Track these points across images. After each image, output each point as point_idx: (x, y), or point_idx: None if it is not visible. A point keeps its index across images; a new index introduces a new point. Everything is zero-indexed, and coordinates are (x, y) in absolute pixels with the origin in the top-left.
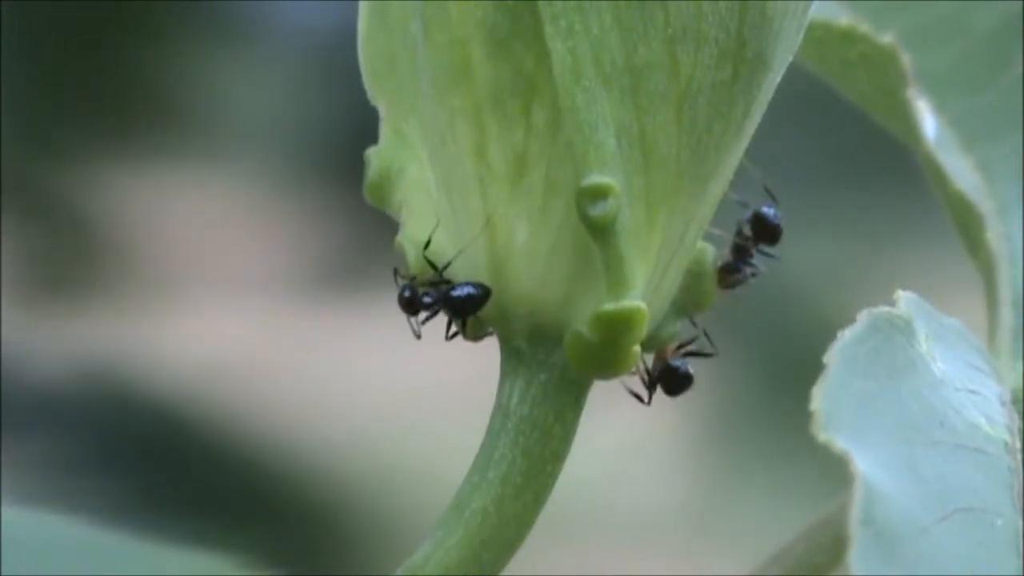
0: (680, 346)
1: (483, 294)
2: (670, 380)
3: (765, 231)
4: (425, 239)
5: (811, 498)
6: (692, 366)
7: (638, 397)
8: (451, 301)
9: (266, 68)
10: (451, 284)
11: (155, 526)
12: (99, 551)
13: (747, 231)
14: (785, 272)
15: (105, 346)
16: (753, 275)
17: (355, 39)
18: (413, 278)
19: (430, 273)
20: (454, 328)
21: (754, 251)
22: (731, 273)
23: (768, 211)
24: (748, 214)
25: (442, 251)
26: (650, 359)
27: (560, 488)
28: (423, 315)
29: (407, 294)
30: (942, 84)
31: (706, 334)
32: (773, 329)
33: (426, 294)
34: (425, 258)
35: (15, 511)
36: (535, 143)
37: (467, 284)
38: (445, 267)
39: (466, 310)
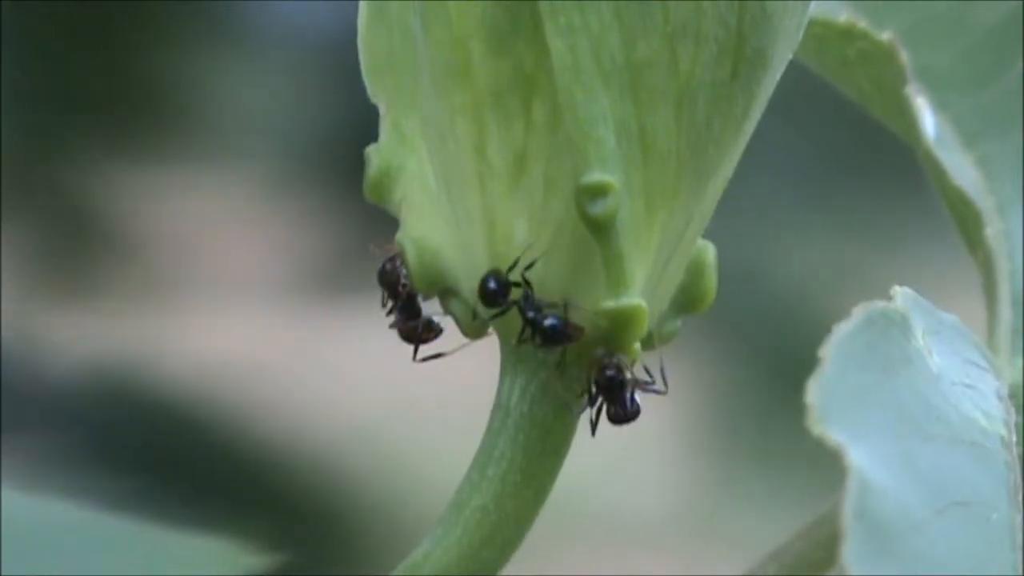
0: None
1: (574, 332)
2: (617, 410)
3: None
4: (425, 237)
5: (811, 498)
6: (647, 392)
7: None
8: (543, 330)
9: (266, 68)
10: (530, 294)
11: (156, 521)
12: (100, 539)
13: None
14: (784, 272)
15: (108, 344)
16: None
17: (355, 39)
18: (496, 272)
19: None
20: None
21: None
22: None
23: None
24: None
25: (440, 248)
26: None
27: (559, 487)
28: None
29: (492, 287)
30: (942, 81)
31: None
32: (773, 329)
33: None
34: (498, 272)
35: (16, 496)
36: (535, 140)
37: (554, 316)
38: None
39: (554, 340)
